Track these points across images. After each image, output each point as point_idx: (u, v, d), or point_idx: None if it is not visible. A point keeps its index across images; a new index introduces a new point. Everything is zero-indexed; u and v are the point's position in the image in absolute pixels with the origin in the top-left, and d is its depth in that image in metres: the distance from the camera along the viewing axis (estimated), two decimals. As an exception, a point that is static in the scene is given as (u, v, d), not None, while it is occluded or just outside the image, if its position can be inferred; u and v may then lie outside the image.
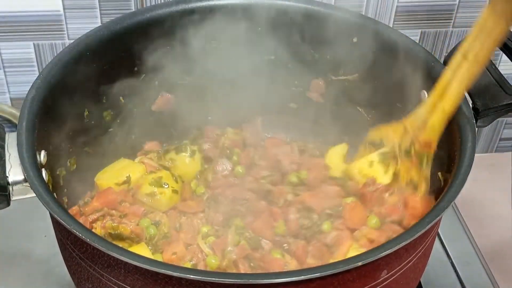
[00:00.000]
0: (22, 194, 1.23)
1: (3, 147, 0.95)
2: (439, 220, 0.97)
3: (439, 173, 1.04)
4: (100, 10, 1.41)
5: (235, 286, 0.81)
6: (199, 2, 1.20)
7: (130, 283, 0.86)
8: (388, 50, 1.15)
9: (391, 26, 1.49)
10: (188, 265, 1.05)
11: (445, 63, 1.11)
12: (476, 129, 1.01)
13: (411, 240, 0.85)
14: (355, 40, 1.19)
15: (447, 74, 1.01)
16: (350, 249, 1.04)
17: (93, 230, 1.04)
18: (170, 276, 0.81)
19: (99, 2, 1.40)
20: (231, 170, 1.21)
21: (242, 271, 1.00)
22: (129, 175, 1.17)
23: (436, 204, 0.90)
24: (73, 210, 1.10)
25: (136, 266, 0.83)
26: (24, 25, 1.41)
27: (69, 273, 1.02)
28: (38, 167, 0.94)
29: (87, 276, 0.92)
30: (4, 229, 1.35)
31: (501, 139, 1.73)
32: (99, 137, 1.21)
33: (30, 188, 0.91)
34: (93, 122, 1.19)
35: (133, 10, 1.41)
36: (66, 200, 1.12)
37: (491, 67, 1.07)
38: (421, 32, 1.53)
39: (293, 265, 1.03)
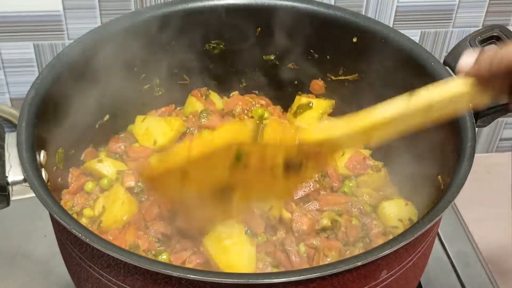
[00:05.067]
0: (22, 194, 1.23)
1: (2, 147, 0.95)
2: (439, 220, 0.97)
3: (439, 177, 1.04)
4: (100, 10, 1.41)
5: (235, 286, 0.81)
6: (198, 2, 1.20)
7: (129, 283, 0.86)
8: (388, 50, 1.15)
9: (391, 26, 1.49)
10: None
11: (445, 63, 1.11)
12: (476, 129, 1.01)
13: (411, 240, 0.85)
14: (355, 40, 1.19)
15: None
16: None
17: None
18: (170, 276, 0.81)
19: (99, 2, 1.40)
20: None
21: None
22: None
23: (436, 204, 0.90)
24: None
25: (135, 266, 0.83)
26: (24, 25, 1.41)
27: (69, 273, 1.02)
28: (37, 167, 0.94)
29: (87, 276, 0.92)
30: (4, 229, 1.35)
31: (501, 139, 1.73)
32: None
33: (29, 188, 0.91)
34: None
35: (133, 10, 1.41)
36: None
37: (491, 67, 1.07)
38: (421, 32, 1.53)
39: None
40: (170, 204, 1.02)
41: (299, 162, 0.89)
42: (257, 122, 0.88)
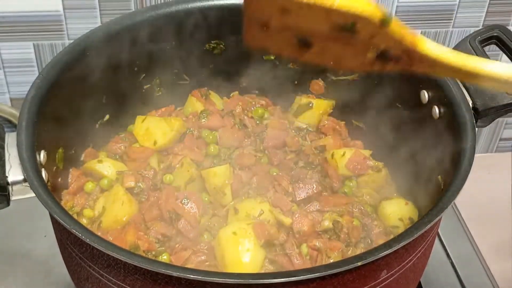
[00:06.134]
0: (22, 194, 1.23)
1: (2, 147, 0.95)
2: (439, 220, 0.97)
3: (439, 177, 1.04)
4: (100, 10, 1.41)
5: (235, 286, 0.81)
6: (198, 2, 1.20)
7: (129, 283, 0.86)
8: (388, 50, 1.15)
9: (391, 26, 1.49)
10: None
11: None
12: (476, 129, 1.01)
13: (411, 240, 0.85)
14: (355, 40, 1.19)
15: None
16: None
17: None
18: (170, 276, 0.81)
19: (99, 2, 1.40)
20: None
21: None
22: None
23: (436, 204, 0.90)
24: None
25: (135, 266, 0.83)
26: (24, 25, 1.41)
27: (69, 273, 1.02)
28: (37, 167, 0.94)
29: (87, 276, 0.92)
30: (4, 229, 1.35)
31: (501, 139, 1.73)
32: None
33: (29, 188, 0.91)
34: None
35: (133, 10, 1.41)
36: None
37: (491, 67, 1.07)
38: (421, 32, 1.53)
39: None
40: (256, 24, 0.96)
41: (393, 55, 0.89)
42: (388, 14, 0.86)
